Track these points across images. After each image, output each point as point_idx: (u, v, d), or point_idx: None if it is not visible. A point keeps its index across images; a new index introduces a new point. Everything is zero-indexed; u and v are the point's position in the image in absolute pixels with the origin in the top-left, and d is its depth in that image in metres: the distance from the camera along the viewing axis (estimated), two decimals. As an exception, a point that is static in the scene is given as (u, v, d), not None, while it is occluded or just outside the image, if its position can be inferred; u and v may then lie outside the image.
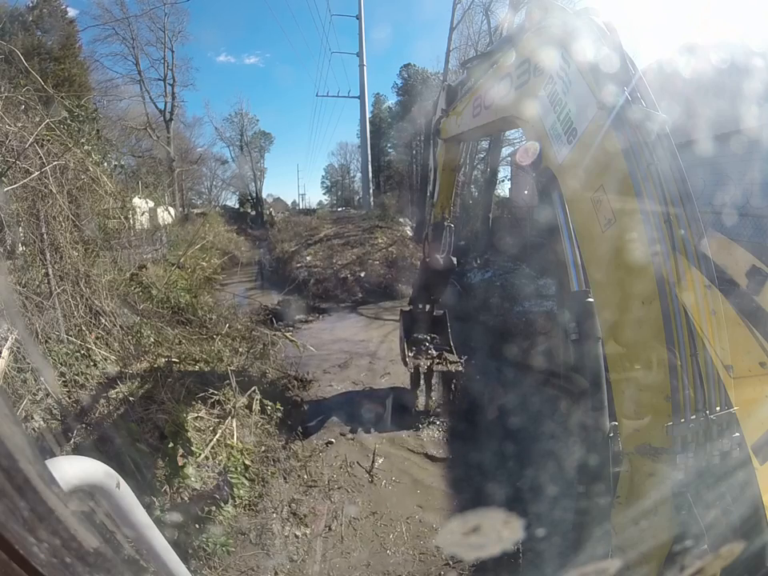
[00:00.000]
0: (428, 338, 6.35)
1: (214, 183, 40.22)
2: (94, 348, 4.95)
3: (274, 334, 8.46)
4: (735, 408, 1.83)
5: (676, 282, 1.80)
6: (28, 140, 5.07)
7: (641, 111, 1.96)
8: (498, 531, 2.29)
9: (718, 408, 1.80)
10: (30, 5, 22.20)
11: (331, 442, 5.60)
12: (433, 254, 5.73)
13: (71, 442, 3.65)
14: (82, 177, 5.96)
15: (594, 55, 2.11)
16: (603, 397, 2.22)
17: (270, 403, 5.64)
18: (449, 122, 4.40)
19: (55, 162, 5.30)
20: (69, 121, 6.44)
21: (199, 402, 5.04)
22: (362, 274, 15.14)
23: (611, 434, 2.09)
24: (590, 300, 2.24)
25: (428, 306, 6.45)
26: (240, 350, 7.09)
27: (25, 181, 4.86)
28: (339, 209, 39.50)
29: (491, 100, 3.22)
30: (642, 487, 1.89)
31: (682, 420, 1.75)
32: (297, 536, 4.14)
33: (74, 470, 0.99)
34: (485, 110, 3.39)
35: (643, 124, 1.94)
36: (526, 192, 17.71)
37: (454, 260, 5.78)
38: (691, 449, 1.75)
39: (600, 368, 2.21)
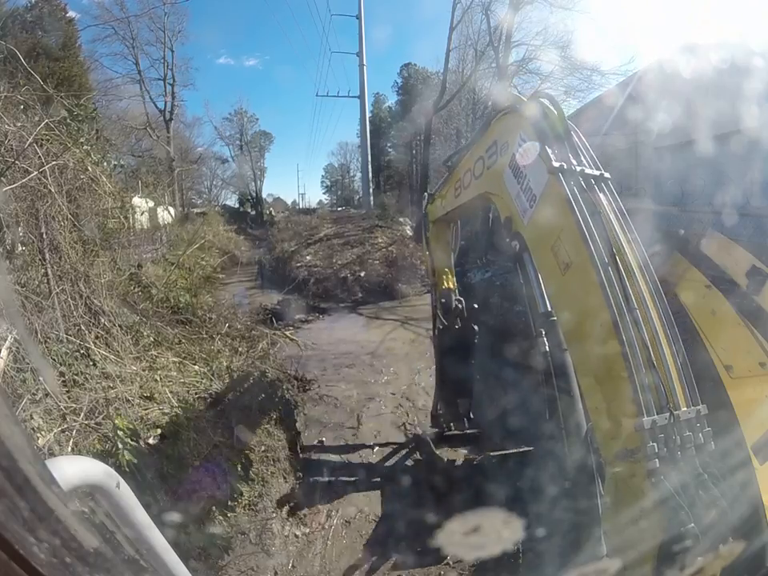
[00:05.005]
0: None
1: (214, 183, 40.09)
2: (93, 348, 4.94)
3: (274, 334, 8.46)
4: (702, 405, 2.04)
5: (625, 304, 2.10)
6: (27, 140, 5.05)
7: (579, 169, 2.43)
8: (497, 531, 2.31)
9: (684, 407, 2.01)
10: (29, 5, 22.16)
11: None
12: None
13: (71, 442, 3.65)
14: (81, 176, 5.95)
15: (543, 132, 2.60)
16: (576, 399, 2.65)
17: (270, 403, 5.64)
18: (435, 206, 4.80)
19: (54, 162, 5.29)
20: (68, 120, 6.42)
21: (199, 401, 5.04)
22: (362, 274, 15.13)
23: (588, 434, 2.37)
24: (554, 318, 2.74)
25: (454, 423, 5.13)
26: (240, 349, 7.09)
27: (24, 180, 4.85)
28: (339, 208, 39.45)
29: (469, 180, 3.70)
30: (627, 490, 1.98)
31: (646, 418, 1.92)
32: (296, 536, 4.15)
33: (73, 469, 0.99)
34: (464, 190, 3.84)
35: (582, 179, 2.40)
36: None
37: (476, 327, 4.90)
38: (660, 441, 1.89)
39: (569, 375, 2.68)
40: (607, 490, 2.08)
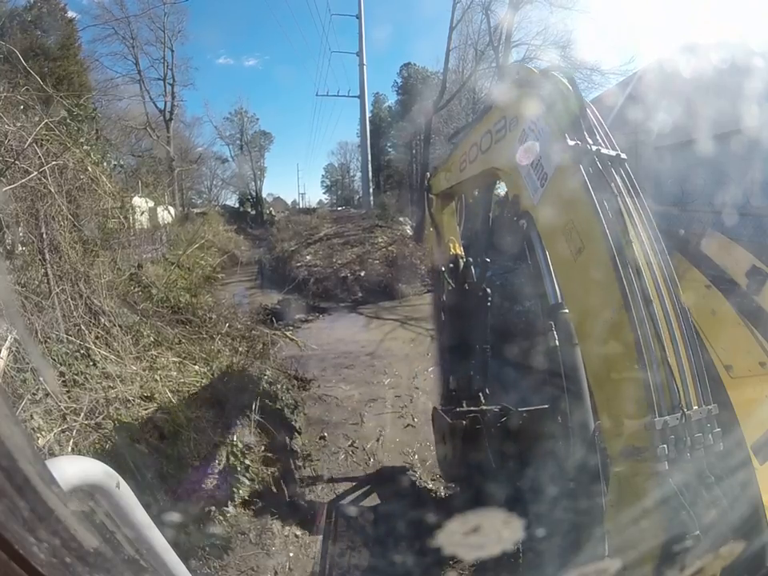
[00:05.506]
0: None
1: (214, 182, 40.14)
2: (93, 347, 4.94)
3: (274, 334, 8.46)
4: (713, 405, 1.96)
5: (640, 295, 2.00)
6: (27, 140, 5.06)
7: (594, 149, 2.30)
8: (498, 531, 2.29)
9: (696, 407, 1.93)
10: (28, 4, 22.13)
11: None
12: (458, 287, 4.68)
13: (71, 442, 3.65)
14: (81, 176, 5.95)
15: (556, 107, 2.45)
16: (584, 396, 2.56)
17: (270, 403, 5.65)
18: (438, 179, 4.64)
19: (54, 162, 5.29)
20: (68, 120, 6.42)
21: (199, 401, 5.04)
22: (362, 274, 15.13)
23: (596, 432, 2.28)
24: (565, 311, 2.60)
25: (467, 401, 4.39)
26: (240, 349, 7.09)
27: (24, 180, 4.85)
28: (339, 208, 39.48)
29: (475, 154, 3.54)
30: (631, 489, 1.93)
31: (658, 417, 1.85)
32: (297, 536, 4.14)
33: (73, 469, 0.99)
34: (470, 164, 3.67)
35: (597, 159, 2.27)
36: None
37: (488, 290, 4.37)
38: (671, 442, 1.82)
39: (578, 370, 2.56)
40: (611, 489, 2.04)
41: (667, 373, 1.92)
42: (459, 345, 4.53)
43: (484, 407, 4.25)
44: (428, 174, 5.03)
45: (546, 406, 3.90)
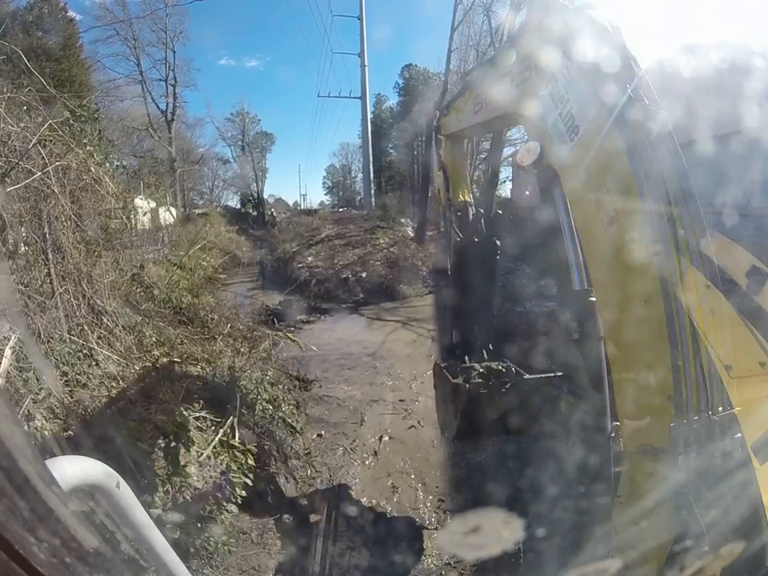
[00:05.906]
0: None
1: (216, 183, 40.33)
2: (96, 347, 4.95)
3: (276, 334, 8.46)
4: (737, 408, 1.84)
5: (679, 281, 1.79)
6: (31, 140, 5.08)
7: (643, 110, 1.93)
8: (498, 531, 2.29)
9: (720, 408, 1.80)
10: (28, 5, 22.18)
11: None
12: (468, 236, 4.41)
13: (71, 442, 3.66)
14: (84, 177, 5.97)
15: (595, 53, 2.07)
16: (604, 396, 2.33)
17: (271, 403, 5.65)
18: (449, 119, 4.31)
19: (57, 163, 5.31)
20: (71, 121, 6.45)
21: (201, 401, 5.05)
22: (364, 275, 15.14)
23: (612, 434, 2.13)
24: (592, 299, 2.29)
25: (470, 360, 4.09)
26: (242, 349, 7.09)
27: (27, 181, 4.87)
28: (341, 209, 39.61)
29: (492, 97, 3.16)
30: (642, 487, 1.89)
31: (684, 420, 1.74)
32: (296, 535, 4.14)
33: (74, 469, 0.99)
34: (486, 106, 3.32)
35: (645, 123, 1.92)
36: (527, 192, 17.67)
37: (497, 242, 4.21)
38: (693, 449, 1.74)
39: (601, 367, 2.32)
40: (622, 486, 1.98)
41: (698, 372, 1.77)
42: (464, 298, 4.32)
43: (487, 363, 3.97)
44: (440, 114, 4.54)
45: (553, 375, 3.72)
